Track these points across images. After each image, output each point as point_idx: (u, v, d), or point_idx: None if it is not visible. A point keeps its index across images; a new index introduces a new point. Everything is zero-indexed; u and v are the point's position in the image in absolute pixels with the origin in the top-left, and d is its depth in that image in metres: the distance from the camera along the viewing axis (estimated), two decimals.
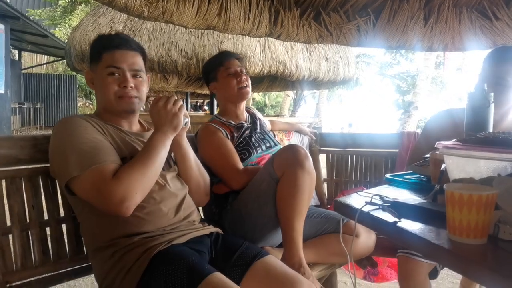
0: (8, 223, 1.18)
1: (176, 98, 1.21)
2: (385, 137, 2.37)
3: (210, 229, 1.29)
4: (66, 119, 1.18)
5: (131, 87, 1.23)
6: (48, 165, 1.24)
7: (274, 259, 1.21)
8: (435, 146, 0.90)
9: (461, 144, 0.86)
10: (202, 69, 1.91)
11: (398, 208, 0.83)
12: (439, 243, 0.64)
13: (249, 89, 1.77)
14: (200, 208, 1.58)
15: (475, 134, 1.02)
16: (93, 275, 1.20)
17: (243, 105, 1.81)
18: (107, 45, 1.24)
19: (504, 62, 1.43)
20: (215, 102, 5.20)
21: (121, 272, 1.06)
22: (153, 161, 1.11)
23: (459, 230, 0.65)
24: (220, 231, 1.33)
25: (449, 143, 0.87)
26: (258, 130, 1.83)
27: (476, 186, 0.71)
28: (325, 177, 2.32)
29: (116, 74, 1.22)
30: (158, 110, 1.17)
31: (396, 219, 0.77)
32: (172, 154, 1.35)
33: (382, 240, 1.67)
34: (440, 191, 0.88)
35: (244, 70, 1.79)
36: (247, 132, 1.76)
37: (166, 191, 1.22)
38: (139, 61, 1.26)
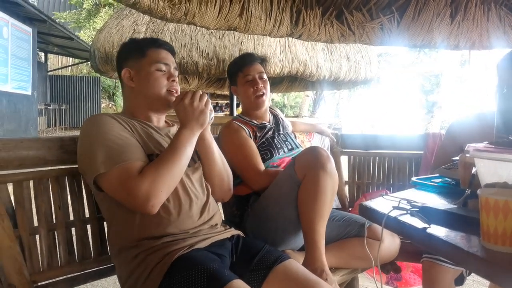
0: (35, 223, 1.20)
1: (201, 92, 1.21)
2: (409, 138, 2.31)
3: (232, 232, 1.29)
4: (94, 117, 1.19)
5: (177, 82, 1.29)
6: (75, 166, 1.26)
7: (295, 263, 1.20)
8: (465, 149, 0.86)
9: (493, 146, 0.82)
10: (227, 71, 1.92)
11: (427, 213, 0.80)
12: (473, 251, 0.62)
13: (266, 96, 1.76)
14: (221, 209, 1.58)
15: (507, 137, 0.97)
16: (116, 275, 1.21)
17: (264, 108, 1.80)
18: (153, 43, 1.30)
19: None
20: (235, 104, 5.21)
21: (143, 274, 1.07)
22: (179, 159, 1.12)
23: (494, 237, 0.63)
24: (241, 234, 1.32)
25: (480, 145, 0.84)
26: (281, 132, 1.82)
27: (510, 191, 0.68)
28: (347, 179, 2.29)
29: (164, 70, 1.27)
30: (184, 107, 1.17)
31: (426, 225, 0.75)
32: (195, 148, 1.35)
33: (406, 244, 1.63)
34: (471, 196, 0.85)
35: (263, 75, 1.78)
36: (270, 132, 1.76)
37: (192, 193, 1.22)
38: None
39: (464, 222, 0.74)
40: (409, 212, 0.83)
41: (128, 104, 1.31)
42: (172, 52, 1.34)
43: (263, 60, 1.84)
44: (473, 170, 0.88)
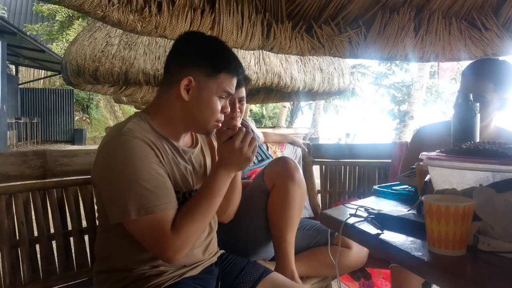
0: None
1: (253, 135, 1.09)
2: (378, 147, 2.37)
3: (217, 254, 1.27)
4: (127, 139, 1.00)
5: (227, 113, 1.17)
6: (39, 181, 1.24)
7: (279, 275, 1.24)
8: (419, 157, 0.90)
9: (444, 155, 0.86)
10: None
11: (381, 220, 0.83)
12: (419, 255, 0.65)
13: (239, 119, 1.72)
14: None
15: (460, 145, 1.03)
16: None
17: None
18: (232, 70, 1.11)
19: (480, 79, 1.42)
20: None
21: None
22: (214, 207, 1.05)
23: (438, 241, 0.66)
24: (224, 252, 1.32)
25: (432, 154, 0.88)
26: None
27: (454, 197, 0.72)
28: (319, 189, 2.32)
29: (224, 99, 1.12)
30: (232, 149, 1.06)
31: (379, 231, 0.78)
32: None
33: (374, 253, 1.67)
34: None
35: (244, 100, 1.73)
36: None
37: (203, 234, 1.18)
38: None
39: (415, 228, 0.77)
40: (365, 219, 0.86)
41: (166, 114, 1.11)
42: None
43: (247, 82, 1.78)
44: (427, 177, 0.92)
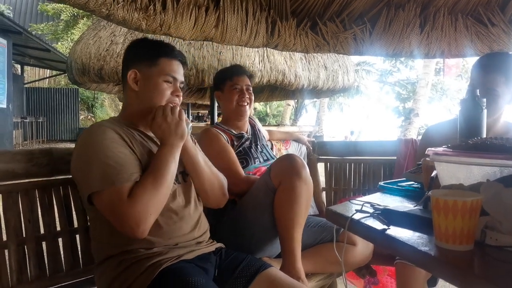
0: (4, 238, 1.18)
1: (172, 105, 1.20)
2: (384, 144, 2.37)
3: (215, 245, 1.30)
4: (94, 128, 1.15)
5: (180, 96, 1.27)
6: (45, 179, 1.25)
7: (277, 270, 1.24)
8: (426, 153, 0.90)
9: (451, 150, 0.86)
10: (214, 76, 1.98)
11: (387, 216, 0.82)
12: (426, 250, 0.64)
13: (248, 107, 1.81)
14: None
15: (467, 140, 1.02)
16: None
17: (244, 119, 1.85)
18: (168, 53, 1.25)
19: (491, 72, 1.40)
20: (215, 114, 5.22)
21: (125, 283, 1.07)
22: (164, 178, 1.10)
23: (445, 236, 0.65)
24: (223, 246, 1.33)
25: (439, 149, 0.88)
26: (258, 143, 1.85)
27: (461, 192, 0.71)
28: (324, 186, 2.32)
29: (171, 82, 1.24)
30: (159, 125, 1.15)
31: (385, 227, 0.77)
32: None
33: (380, 248, 1.66)
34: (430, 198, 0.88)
35: (250, 88, 1.84)
36: (247, 142, 1.79)
37: (185, 210, 1.21)
38: None
39: (422, 223, 0.77)
40: (371, 215, 0.85)
41: (128, 107, 1.27)
42: (184, 63, 1.31)
43: (250, 76, 1.92)
44: (433, 173, 0.92)
